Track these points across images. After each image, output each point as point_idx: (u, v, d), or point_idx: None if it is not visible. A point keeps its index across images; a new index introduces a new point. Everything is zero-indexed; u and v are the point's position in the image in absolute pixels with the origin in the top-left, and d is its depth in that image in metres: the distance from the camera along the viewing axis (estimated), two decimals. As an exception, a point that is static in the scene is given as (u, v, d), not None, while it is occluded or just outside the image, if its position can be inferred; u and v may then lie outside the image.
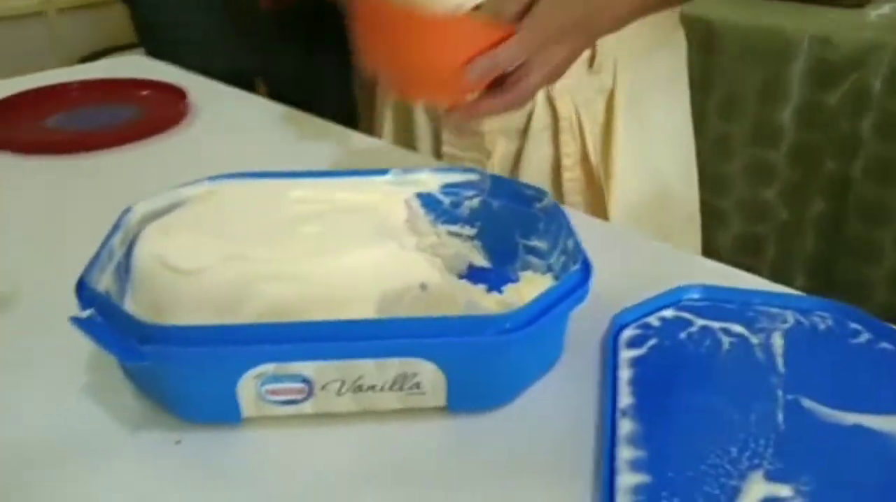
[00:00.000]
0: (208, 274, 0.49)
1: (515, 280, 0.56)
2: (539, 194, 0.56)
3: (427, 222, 0.59)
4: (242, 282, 0.48)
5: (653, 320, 0.53)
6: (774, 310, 0.53)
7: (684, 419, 0.45)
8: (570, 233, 0.51)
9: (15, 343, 0.54)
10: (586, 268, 0.47)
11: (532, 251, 0.57)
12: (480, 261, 0.60)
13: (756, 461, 0.42)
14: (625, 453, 0.42)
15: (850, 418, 0.45)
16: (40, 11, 2.39)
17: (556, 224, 0.54)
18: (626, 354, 0.50)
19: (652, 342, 0.51)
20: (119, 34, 2.20)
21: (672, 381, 0.48)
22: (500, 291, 0.55)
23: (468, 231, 0.60)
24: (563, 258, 0.52)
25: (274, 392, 0.44)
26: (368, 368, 0.44)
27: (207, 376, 0.44)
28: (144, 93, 0.99)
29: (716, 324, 0.52)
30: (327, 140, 0.85)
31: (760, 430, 0.44)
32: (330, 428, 0.46)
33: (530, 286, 0.53)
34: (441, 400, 0.45)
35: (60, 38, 2.40)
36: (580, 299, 0.46)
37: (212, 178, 0.57)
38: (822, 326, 0.52)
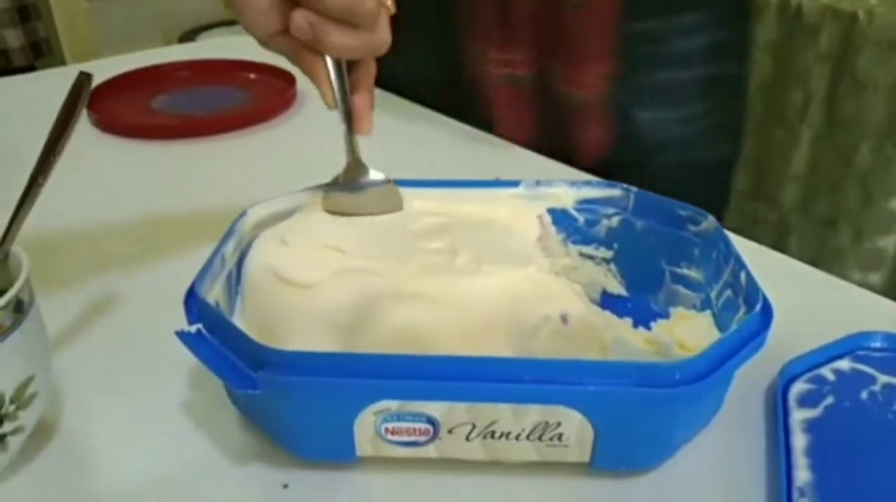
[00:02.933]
0: (326, 289, 0.44)
1: (665, 315, 0.49)
2: (697, 215, 0.49)
3: (558, 242, 0.53)
4: (365, 301, 0.43)
5: (826, 372, 0.46)
6: None
7: None
8: (741, 265, 0.44)
9: (115, 347, 0.51)
10: (767, 313, 0.40)
11: (681, 281, 0.50)
12: (616, 287, 0.53)
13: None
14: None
15: None
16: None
17: (717, 251, 0.47)
18: (798, 415, 0.43)
19: (828, 401, 0.44)
20: (217, 10, 2.21)
21: (856, 455, 0.40)
22: (647, 327, 0.48)
23: (603, 253, 0.53)
24: (727, 293, 0.45)
25: (394, 431, 0.39)
26: (504, 413, 0.38)
27: (325, 409, 0.39)
28: (252, 76, 0.97)
29: None
30: (449, 139, 0.80)
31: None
32: (453, 477, 0.40)
33: (684, 324, 0.47)
34: (585, 455, 0.39)
35: (161, 14, 2.42)
36: (757, 349, 0.39)
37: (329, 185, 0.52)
38: None
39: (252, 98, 0.92)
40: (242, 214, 0.49)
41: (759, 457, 0.41)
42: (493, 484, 0.40)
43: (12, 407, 0.39)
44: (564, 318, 0.43)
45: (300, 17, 0.45)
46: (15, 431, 0.39)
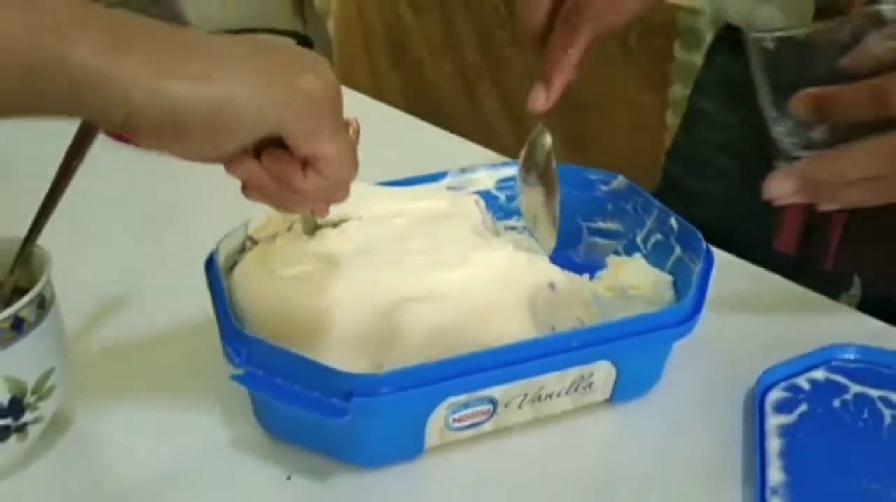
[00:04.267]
0: (338, 308, 0.46)
1: (603, 265, 0.58)
2: (606, 177, 0.58)
3: (490, 220, 0.59)
4: (384, 311, 0.46)
5: (802, 382, 0.49)
6: None
7: None
8: (667, 213, 0.54)
9: (126, 344, 0.53)
10: (709, 254, 0.49)
11: (598, 233, 0.60)
12: (538, 249, 0.60)
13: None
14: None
15: None
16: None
17: (634, 204, 0.57)
18: (774, 420, 0.46)
19: (802, 408, 0.47)
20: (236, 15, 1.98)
21: (827, 458, 0.44)
22: (595, 277, 0.56)
23: (523, 222, 0.60)
24: (656, 236, 0.55)
25: (461, 419, 0.44)
26: (551, 379, 0.45)
27: (403, 417, 0.42)
28: None
29: (874, 393, 0.48)
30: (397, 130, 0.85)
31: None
32: (505, 440, 0.46)
33: (623, 268, 0.56)
34: (608, 393, 0.47)
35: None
36: (709, 283, 0.48)
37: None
38: None
39: None
40: (216, 250, 0.49)
41: (735, 459, 0.45)
42: (536, 435, 0.47)
43: (33, 398, 0.42)
44: (552, 286, 0.50)
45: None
46: (35, 421, 0.43)
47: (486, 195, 0.59)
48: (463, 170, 0.59)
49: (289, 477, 0.44)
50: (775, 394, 0.48)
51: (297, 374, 0.40)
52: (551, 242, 0.53)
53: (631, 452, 0.47)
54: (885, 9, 0.42)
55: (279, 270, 0.48)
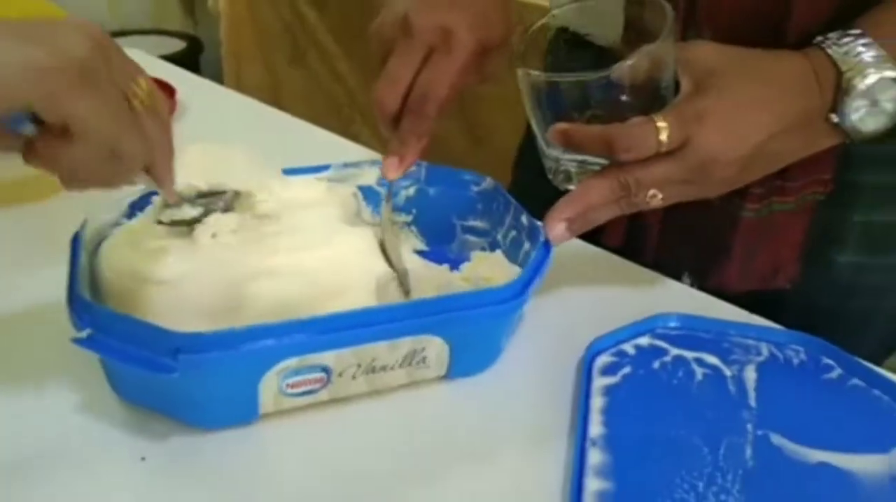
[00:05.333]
0: (188, 281, 0.49)
1: (468, 259, 0.61)
2: (477, 178, 0.62)
3: (369, 213, 0.63)
4: (230, 285, 0.49)
5: (628, 348, 0.54)
6: (750, 342, 0.55)
7: (653, 451, 0.46)
8: (520, 211, 0.57)
9: None
10: (547, 244, 0.53)
11: (470, 231, 0.63)
12: (418, 245, 0.64)
13: (723, 497, 0.43)
14: (592, 485, 0.43)
15: (817, 455, 0.46)
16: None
17: (497, 203, 0.60)
18: (599, 382, 0.51)
19: (625, 370, 0.52)
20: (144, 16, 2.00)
21: (643, 412, 0.49)
22: (458, 270, 0.60)
23: (405, 218, 0.64)
24: (512, 234, 0.58)
25: (294, 385, 0.47)
26: (382, 350, 0.47)
27: (233, 378, 0.45)
28: None
29: (690, 354, 0.53)
30: (297, 136, 0.88)
31: (728, 465, 0.45)
32: (340, 410, 0.49)
33: (484, 263, 0.59)
34: (443, 370, 0.50)
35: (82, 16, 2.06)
36: (548, 267, 0.52)
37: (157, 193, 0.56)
38: (795, 360, 0.53)
39: None
40: (82, 225, 0.51)
41: (564, 419, 0.49)
42: (370, 407, 0.49)
43: None
44: (405, 271, 0.53)
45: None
46: None
47: (368, 190, 0.63)
48: (346, 165, 0.62)
49: (143, 459, 0.45)
50: (603, 359, 0.53)
51: (132, 336, 0.43)
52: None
53: (466, 420, 0.50)
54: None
55: (141, 244, 0.51)
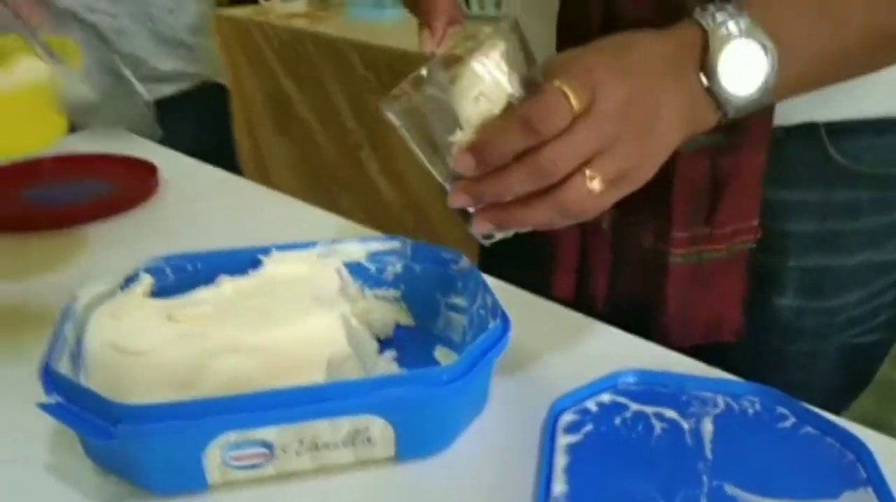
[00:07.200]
0: (161, 353, 0.53)
1: (452, 337, 0.63)
2: (455, 257, 0.64)
3: (356, 288, 0.65)
4: (197, 358, 0.53)
5: (591, 404, 0.56)
6: (707, 395, 0.56)
7: None
8: (487, 290, 0.58)
9: None
10: (506, 321, 0.54)
11: (452, 308, 0.64)
12: (407, 320, 0.66)
13: (678, 549, 0.45)
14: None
15: None
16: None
17: (473, 282, 0.61)
18: (562, 440, 0.52)
19: (588, 428, 0.54)
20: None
21: (604, 468, 0.51)
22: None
23: (393, 293, 0.66)
24: (482, 312, 0.59)
25: (237, 458, 0.48)
26: (323, 428, 0.49)
27: (176, 448, 0.47)
28: (117, 168, 1.01)
29: (649, 409, 0.55)
30: (281, 211, 0.91)
31: (684, 517, 0.46)
32: (289, 487, 0.50)
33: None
34: (390, 451, 0.51)
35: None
36: (502, 348, 0.53)
37: (147, 269, 0.61)
38: (750, 411, 0.55)
39: (118, 188, 0.96)
40: (74, 298, 0.56)
41: (529, 475, 0.50)
42: (320, 486, 0.50)
43: None
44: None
45: None
46: None
47: (355, 266, 0.65)
48: (333, 241, 0.65)
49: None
50: (566, 418, 0.55)
51: (87, 404, 0.47)
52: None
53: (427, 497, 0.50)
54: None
55: (123, 317, 0.55)
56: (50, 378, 0.49)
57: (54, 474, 0.52)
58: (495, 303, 0.56)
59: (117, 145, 1.08)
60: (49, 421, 0.52)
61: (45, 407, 0.47)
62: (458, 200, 0.49)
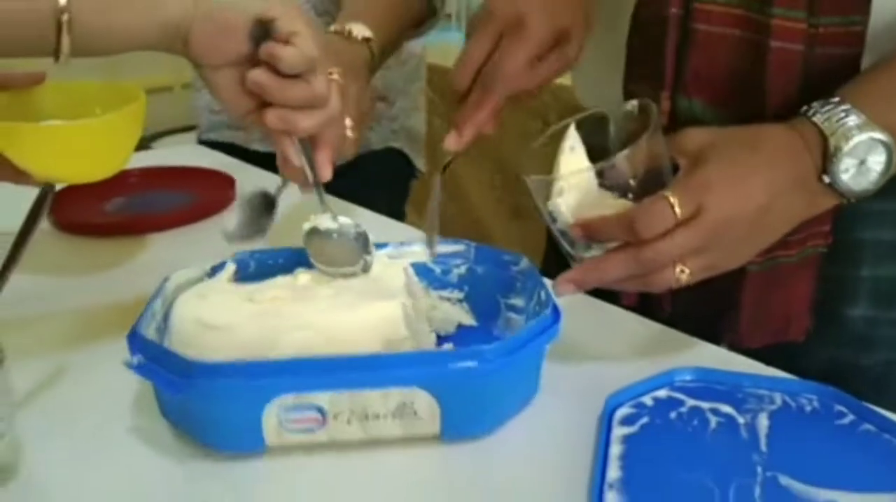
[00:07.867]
0: (240, 329, 0.58)
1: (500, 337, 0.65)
2: (516, 259, 0.66)
3: (421, 288, 0.68)
4: (270, 332, 0.57)
5: (647, 400, 0.58)
6: (763, 392, 0.57)
7: (666, 493, 0.49)
8: (543, 287, 0.60)
9: (68, 404, 0.61)
10: (556, 312, 0.56)
11: (512, 308, 0.66)
12: (469, 320, 0.69)
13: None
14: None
15: (824, 494, 0.48)
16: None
17: (532, 282, 0.63)
18: (618, 431, 0.54)
19: (644, 420, 0.55)
20: (173, 117, 2.31)
21: (658, 458, 0.52)
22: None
23: (457, 295, 0.69)
24: (537, 308, 0.61)
25: (293, 421, 0.52)
26: (374, 398, 0.52)
27: (239, 405, 0.52)
28: (197, 180, 1.08)
29: (705, 405, 0.56)
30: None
31: (737, 504, 0.47)
32: (339, 459, 0.54)
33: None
34: (436, 427, 0.53)
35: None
36: (552, 336, 0.55)
37: (233, 260, 0.67)
38: (808, 408, 0.56)
39: (197, 199, 1.02)
40: (166, 279, 0.63)
41: (580, 466, 0.52)
42: (369, 458, 0.53)
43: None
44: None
45: (272, 116, 0.56)
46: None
47: (421, 267, 0.69)
48: (402, 243, 0.69)
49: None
50: (623, 411, 0.56)
51: (165, 362, 0.52)
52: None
53: (481, 479, 0.52)
54: None
55: (207, 297, 0.61)
56: (135, 340, 0.54)
57: (135, 434, 0.57)
58: (548, 297, 0.58)
59: (196, 157, 1.17)
60: (131, 390, 0.60)
61: (131, 365, 0.53)
62: (563, 289, 0.56)
